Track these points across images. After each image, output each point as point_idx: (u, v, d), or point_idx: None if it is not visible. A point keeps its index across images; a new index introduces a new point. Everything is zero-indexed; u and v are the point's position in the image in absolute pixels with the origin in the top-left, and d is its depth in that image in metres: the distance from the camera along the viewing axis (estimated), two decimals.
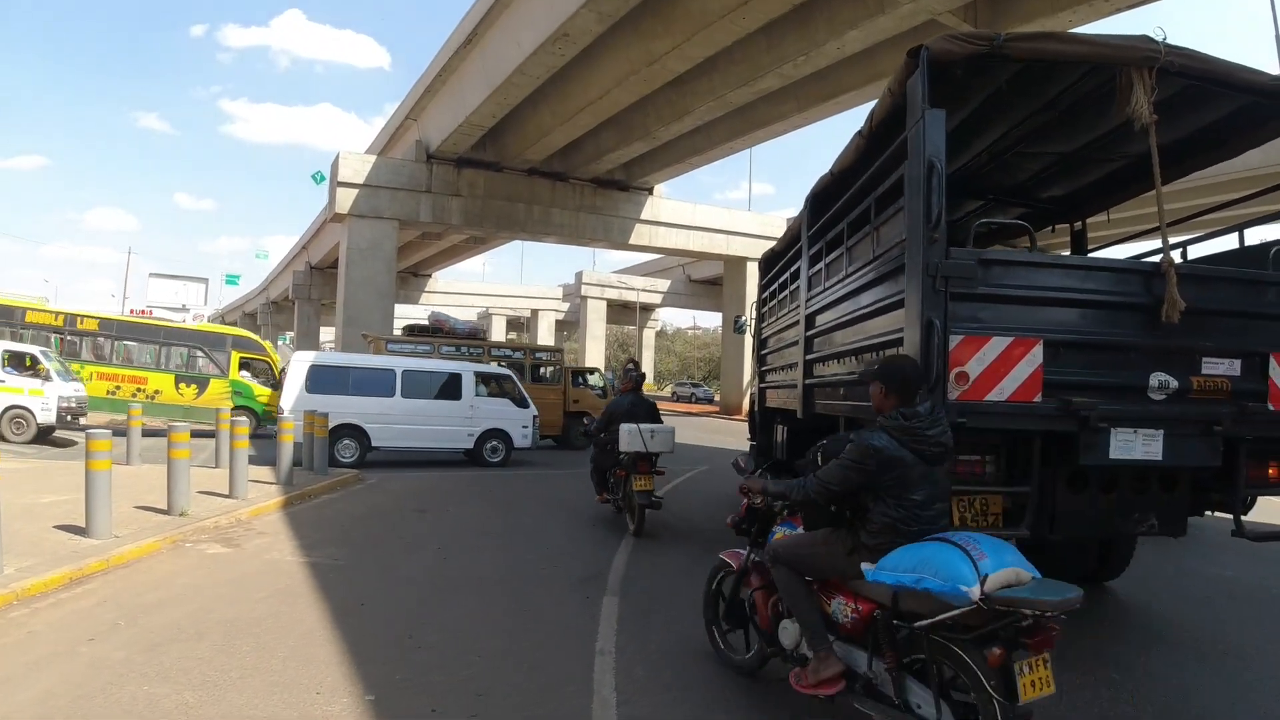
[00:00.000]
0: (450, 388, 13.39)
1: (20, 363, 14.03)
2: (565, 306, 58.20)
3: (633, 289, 48.10)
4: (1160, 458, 4.69)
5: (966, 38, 4.70)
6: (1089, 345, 4.78)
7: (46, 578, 5.35)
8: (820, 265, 7.31)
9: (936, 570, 2.87)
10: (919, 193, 4.65)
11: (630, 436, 7.85)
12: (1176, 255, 5.31)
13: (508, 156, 25.19)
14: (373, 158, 25.26)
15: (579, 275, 48.77)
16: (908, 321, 4.82)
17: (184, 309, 49.68)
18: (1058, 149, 6.51)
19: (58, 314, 17.84)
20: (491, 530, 7.99)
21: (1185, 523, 5.24)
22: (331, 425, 11.73)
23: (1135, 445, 4.70)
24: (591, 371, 20.69)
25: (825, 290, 7.10)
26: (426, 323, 19.02)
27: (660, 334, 65.40)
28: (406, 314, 66.03)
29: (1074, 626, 4.94)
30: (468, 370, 13.72)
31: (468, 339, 18.50)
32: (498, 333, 59.35)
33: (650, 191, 28.87)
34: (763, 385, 10.74)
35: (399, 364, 13.41)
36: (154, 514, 7.53)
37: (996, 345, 4.63)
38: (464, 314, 66.70)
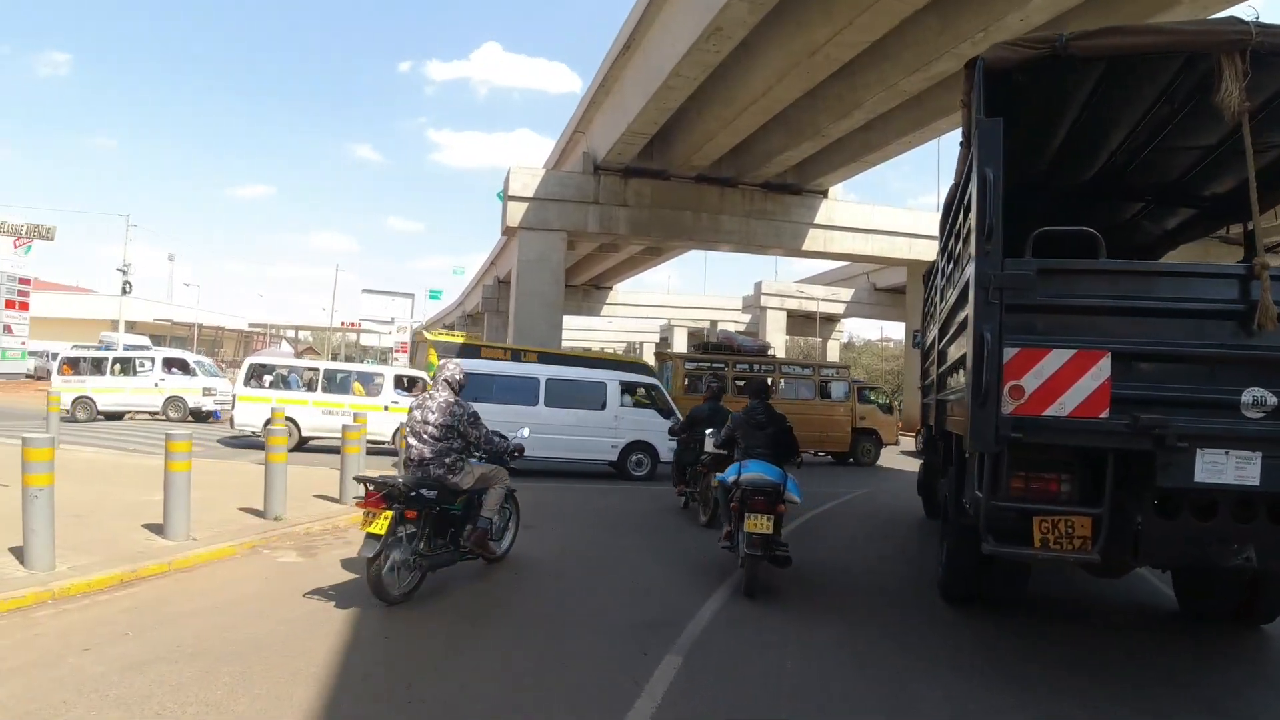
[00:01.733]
0: (594, 397, 14.18)
1: (409, 386, 16.94)
2: (746, 318, 58.46)
3: (813, 299, 47.43)
4: (1258, 483, 4.34)
5: (1024, 42, 4.70)
6: (1169, 358, 4.55)
7: (93, 578, 5.68)
8: (944, 280, 7.35)
9: (728, 474, 7.14)
10: (975, 204, 4.74)
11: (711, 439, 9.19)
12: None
13: (674, 164, 25.99)
14: (542, 171, 27.09)
15: (758, 285, 48.86)
16: (969, 335, 4.87)
17: (390, 321, 55.03)
18: (1200, 143, 6.14)
19: (506, 349, 19.71)
20: (577, 550, 8.19)
21: None
22: None
23: (1226, 468, 4.38)
24: (874, 388, 21.27)
25: (942, 307, 7.20)
26: (717, 341, 20.49)
27: (847, 346, 63.72)
28: (589, 326, 69.77)
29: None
30: (612, 379, 14.45)
31: (755, 356, 19.85)
32: (679, 344, 60.67)
33: (824, 194, 28.49)
34: (924, 400, 10.91)
35: (543, 372, 14.41)
36: (251, 517, 8.24)
37: (1057, 358, 4.55)
38: (645, 325, 69.08)
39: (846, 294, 50.15)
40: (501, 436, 6.80)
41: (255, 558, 7.12)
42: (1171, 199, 7.35)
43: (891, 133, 22.89)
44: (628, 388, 14.60)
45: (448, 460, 6.25)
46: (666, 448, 13.93)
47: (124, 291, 36.31)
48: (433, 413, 6.28)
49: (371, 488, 5.65)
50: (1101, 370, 4.48)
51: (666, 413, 14.40)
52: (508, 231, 27.52)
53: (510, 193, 26.38)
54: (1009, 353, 4.57)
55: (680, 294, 66.78)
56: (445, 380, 6.52)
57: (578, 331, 74.74)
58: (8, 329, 31.10)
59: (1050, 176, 7.12)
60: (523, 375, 14.29)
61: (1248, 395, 4.33)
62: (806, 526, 10.14)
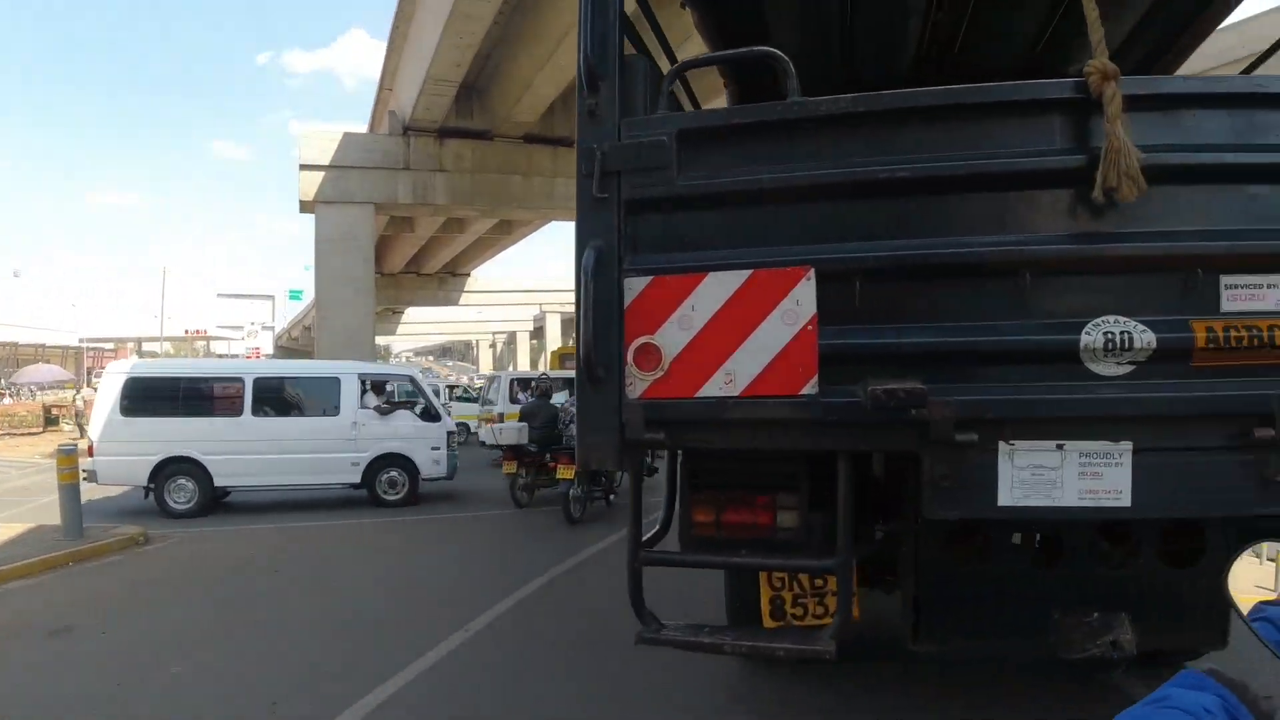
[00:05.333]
0: (323, 398, 11.49)
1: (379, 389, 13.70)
2: None
3: None
4: (1128, 502, 2.46)
5: None
6: (932, 270, 2.60)
7: None
8: None
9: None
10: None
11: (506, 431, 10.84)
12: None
13: (497, 122, 23.61)
14: (339, 134, 24.16)
15: None
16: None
17: (241, 327, 51.51)
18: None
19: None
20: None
21: (1223, 630, 3.09)
22: (158, 459, 10.21)
23: (1062, 478, 2.48)
24: None
25: None
26: None
27: None
28: (450, 317, 66.39)
29: None
30: (348, 373, 11.73)
31: None
32: (553, 338, 58.26)
33: None
34: None
35: (249, 369, 11.72)
36: None
37: (717, 288, 2.53)
38: (517, 313, 66.28)
39: None
40: None
41: None
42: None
43: None
44: (374, 385, 12.05)
45: None
46: (430, 460, 11.62)
47: None
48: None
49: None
50: (800, 304, 2.49)
51: (431, 416, 11.91)
52: (305, 207, 24.48)
53: (304, 161, 23.46)
54: (634, 286, 2.52)
55: (556, 278, 64.32)
56: None
57: (446, 324, 71.53)
58: None
59: (852, 70, 5.13)
60: (221, 376, 11.55)
61: (1095, 334, 2.42)
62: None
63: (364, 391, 11.71)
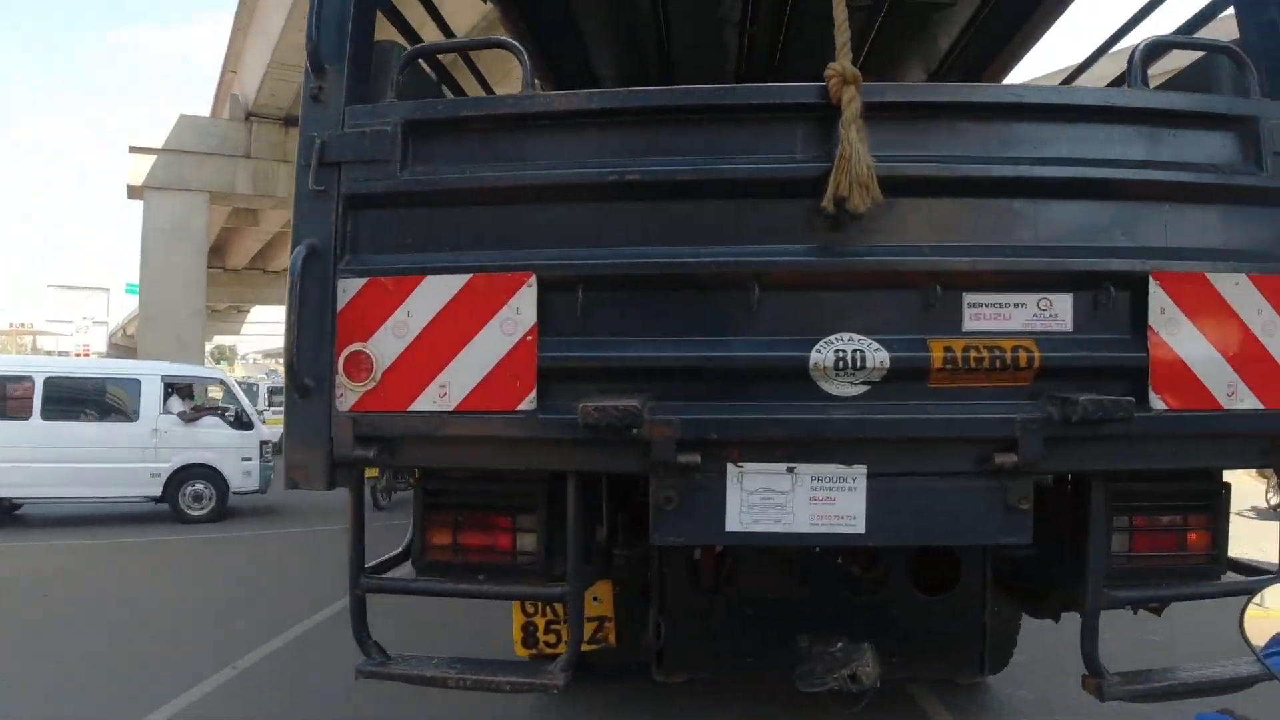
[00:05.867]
0: (121, 402, 10.54)
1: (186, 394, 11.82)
2: None
3: None
4: (862, 529, 2.40)
5: None
6: (655, 282, 2.48)
7: None
8: None
9: None
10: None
11: None
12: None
13: None
14: (174, 117, 22.63)
15: None
16: None
17: (71, 321, 47.76)
18: None
19: None
20: None
21: (979, 657, 3.10)
22: None
23: (793, 502, 2.39)
24: None
25: None
26: None
27: None
28: None
29: None
30: (149, 375, 10.78)
31: None
32: None
33: None
34: None
35: (40, 367, 10.62)
36: None
37: (433, 294, 2.33)
38: None
39: None
40: None
41: None
42: None
43: None
44: (179, 388, 11.17)
45: None
46: (241, 472, 10.83)
47: None
48: None
49: None
50: (520, 313, 2.33)
51: (242, 423, 11.15)
52: (133, 193, 22.76)
53: (134, 144, 21.83)
54: (348, 289, 2.29)
55: None
56: None
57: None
58: None
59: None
60: (7, 374, 10.43)
61: (825, 351, 2.35)
62: None
63: (168, 396, 10.79)
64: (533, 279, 2.32)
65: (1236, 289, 2.36)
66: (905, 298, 2.37)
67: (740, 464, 2.39)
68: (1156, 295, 2.33)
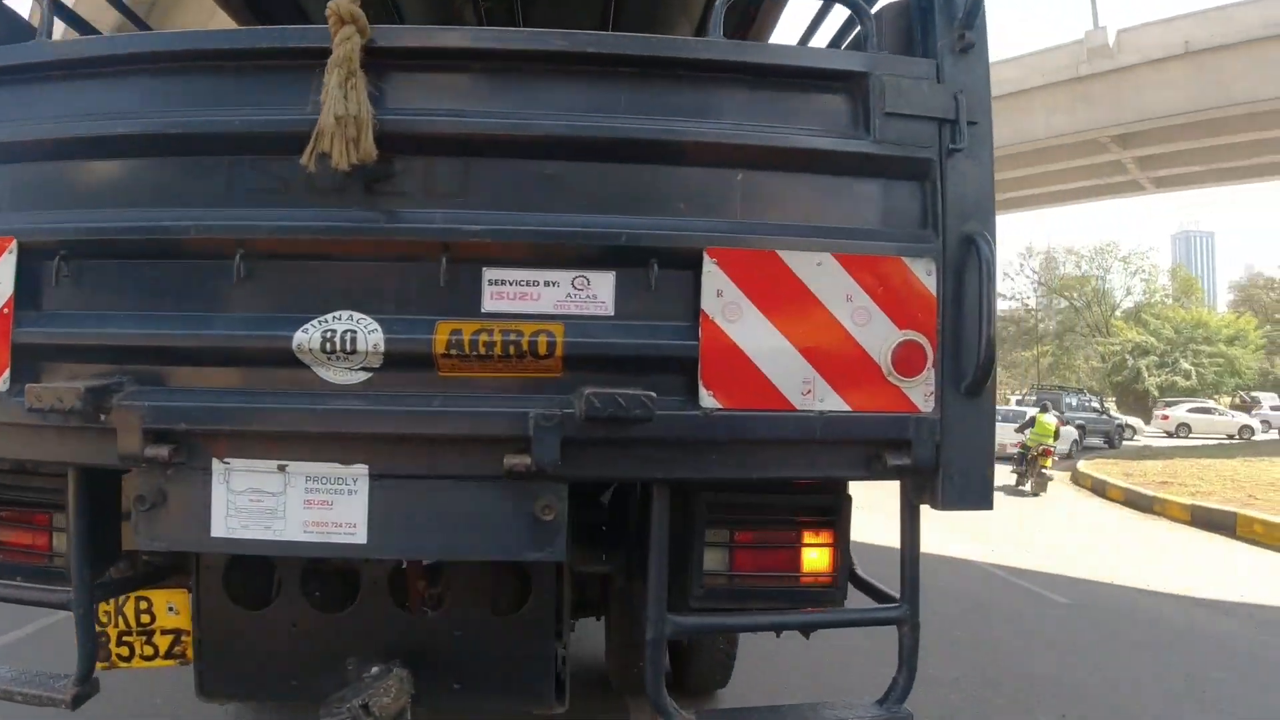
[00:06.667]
0: None
1: None
2: None
3: None
4: (364, 539, 2.06)
5: None
6: (130, 249, 2.11)
7: None
8: None
9: None
10: None
11: None
12: None
13: None
14: None
15: None
16: None
17: None
18: None
19: None
20: None
21: (551, 690, 2.63)
22: None
23: (285, 506, 2.08)
24: None
25: None
26: None
27: None
28: None
29: None
30: None
31: None
32: None
33: None
34: None
35: None
36: None
37: None
38: None
39: None
40: None
41: None
42: None
43: None
44: None
45: None
46: None
47: None
48: None
49: None
50: None
51: None
52: None
53: None
54: None
55: None
56: None
57: None
58: None
59: None
60: None
61: (312, 332, 2.01)
62: None
63: None
64: (14, 244, 2.02)
65: (819, 270, 2.07)
66: (417, 272, 2.04)
67: (227, 460, 2.04)
68: (712, 274, 2.03)
